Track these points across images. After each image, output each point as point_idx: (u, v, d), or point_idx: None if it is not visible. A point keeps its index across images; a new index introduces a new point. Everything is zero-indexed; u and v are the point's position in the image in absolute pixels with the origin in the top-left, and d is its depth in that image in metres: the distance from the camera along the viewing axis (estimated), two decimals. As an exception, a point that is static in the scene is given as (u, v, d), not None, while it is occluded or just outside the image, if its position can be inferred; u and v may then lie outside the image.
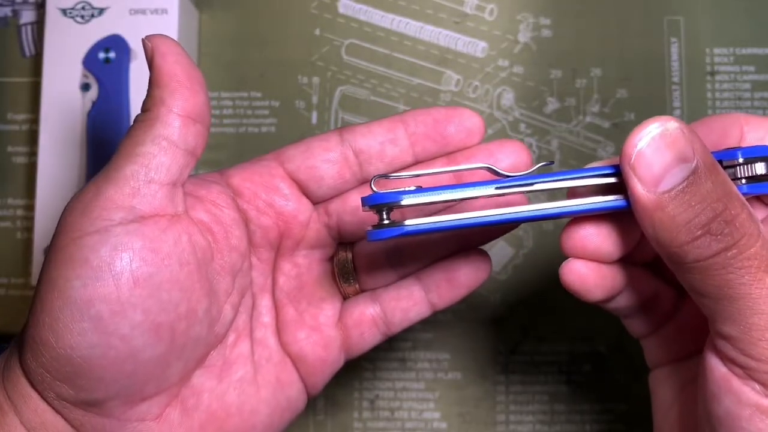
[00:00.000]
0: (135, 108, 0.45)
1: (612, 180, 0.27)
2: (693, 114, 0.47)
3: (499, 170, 0.28)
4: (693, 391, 0.29)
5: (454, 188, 0.27)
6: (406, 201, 0.27)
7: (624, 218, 0.28)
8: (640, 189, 0.25)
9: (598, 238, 0.28)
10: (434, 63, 0.48)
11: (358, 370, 0.46)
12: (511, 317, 0.46)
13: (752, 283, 0.24)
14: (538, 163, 0.29)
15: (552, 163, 0.30)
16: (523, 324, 0.46)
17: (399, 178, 0.28)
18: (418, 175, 0.28)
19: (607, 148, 0.47)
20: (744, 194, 0.26)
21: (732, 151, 0.26)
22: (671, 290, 0.31)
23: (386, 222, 0.27)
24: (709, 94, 0.47)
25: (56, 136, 0.44)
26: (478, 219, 0.27)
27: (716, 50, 0.47)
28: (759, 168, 0.26)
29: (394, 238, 0.27)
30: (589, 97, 0.47)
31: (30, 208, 0.47)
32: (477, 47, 0.48)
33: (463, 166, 0.29)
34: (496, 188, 0.27)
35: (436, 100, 0.48)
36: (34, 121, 0.47)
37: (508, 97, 0.48)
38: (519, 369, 0.46)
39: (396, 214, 0.28)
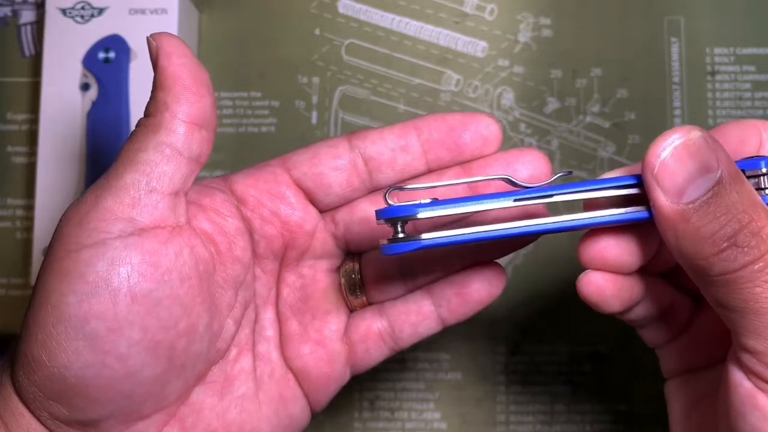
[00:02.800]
0: (135, 108, 0.44)
1: (633, 191, 0.26)
2: (693, 114, 0.47)
3: (517, 181, 0.27)
4: (710, 403, 0.28)
5: (471, 200, 0.26)
6: (422, 214, 0.26)
7: (642, 228, 0.27)
8: (663, 200, 0.24)
9: (617, 249, 0.28)
10: (434, 63, 0.48)
11: (358, 371, 0.46)
12: (511, 318, 0.46)
13: None
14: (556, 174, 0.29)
15: (571, 173, 0.29)
16: (524, 324, 0.46)
17: (414, 189, 0.28)
18: (433, 187, 0.28)
19: (608, 147, 0.47)
20: None
21: (755, 161, 0.26)
22: (688, 300, 0.31)
23: (401, 235, 0.26)
24: (709, 94, 0.47)
25: (56, 136, 0.44)
26: (498, 232, 0.26)
27: (716, 50, 0.47)
28: None
29: (410, 252, 0.26)
30: (589, 97, 0.47)
31: (29, 208, 0.47)
32: (477, 47, 0.48)
33: (481, 177, 0.28)
34: (515, 200, 0.26)
35: (436, 100, 0.48)
36: (34, 121, 0.47)
37: (508, 97, 0.48)
38: (519, 369, 0.46)
39: (410, 226, 0.27)
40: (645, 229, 0.27)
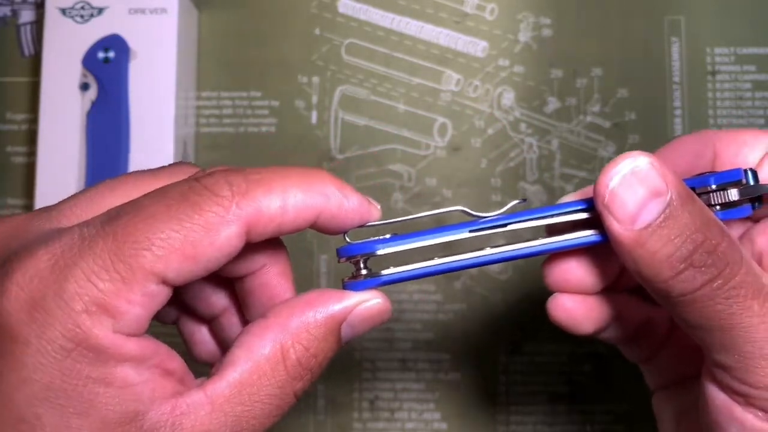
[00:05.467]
0: (134, 107, 0.44)
1: (587, 215, 0.27)
2: (693, 114, 0.47)
3: (472, 212, 0.28)
4: (696, 415, 0.28)
5: (429, 234, 0.27)
6: (382, 251, 0.26)
7: (603, 249, 0.27)
8: (617, 227, 0.24)
9: (580, 270, 0.28)
10: (434, 62, 0.48)
11: (357, 371, 0.46)
12: (512, 317, 0.46)
13: (742, 312, 0.23)
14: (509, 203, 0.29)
15: (525, 200, 0.29)
16: (524, 324, 0.46)
17: (374, 226, 0.28)
18: (392, 223, 0.28)
19: (608, 147, 0.47)
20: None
21: (705, 178, 0.26)
22: (664, 314, 0.31)
23: (364, 272, 0.26)
24: (709, 94, 0.47)
25: (55, 136, 0.44)
26: (457, 263, 0.27)
27: (717, 50, 0.47)
28: (732, 194, 0.26)
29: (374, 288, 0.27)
30: (589, 97, 0.47)
31: (29, 208, 0.47)
32: (477, 47, 0.48)
33: (438, 210, 0.28)
34: (470, 231, 0.27)
35: (437, 100, 0.48)
36: (33, 121, 0.47)
37: (509, 97, 0.47)
38: (519, 369, 0.46)
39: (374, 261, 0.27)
40: (606, 249, 0.27)
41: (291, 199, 0.24)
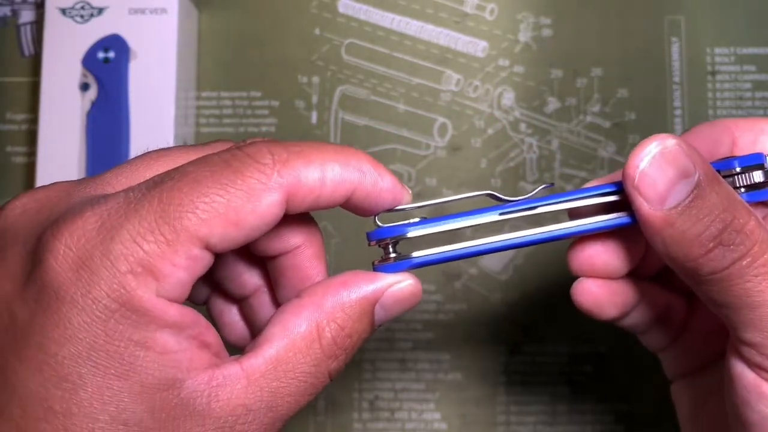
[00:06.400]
0: (134, 107, 0.44)
1: (615, 197, 0.27)
2: (693, 114, 0.47)
3: (501, 196, 0.28)
4: (718, 400, 0.29)
5: (458, 217, 0.27)
6: (413, 233, 0.27)
7: (627, 233, 0.28)
8: (646, 208, 0.25)
9: (606, 254, 0.28)
10: (434, 62, 0.48)
11: (357, 371, 0.46)
12: (512, 317, 0.46)
13: None
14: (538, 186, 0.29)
15: (552, 185, 0.30)
16: (524, 324, 0.46)
17: (403, 210, 0.28)
18: (421, 206, 0.28)
19: (608, 147, 0.47)
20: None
21: (729, 161, 0.27)
22: (682, 300, 0.31)
23: (393, 255, 0.27)
24: (709, 94, 0.47)
25: (55, 136, 0.44)
26: (485, 246, 0.27)
27: (717, 50, 0.47)
28: (757, 176, 0.27)
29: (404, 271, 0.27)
30: (589, 97, 0.47)
31: (29, 208, 0.47)
32: (477, 47, 0.48)
33: (465, 195, 0.29)
34: (500, 213, 0.27)
35: (437, 100, 0.48)
36: (33, 121, 0.47)
37: (509, 97, 0.47)
38: (520, 369, 0.46)
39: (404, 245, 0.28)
40: (630, 233, 0.28)
41: (329, 172, 0.24)
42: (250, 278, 0.29)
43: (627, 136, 0.47)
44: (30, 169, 0.47)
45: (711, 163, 0.26)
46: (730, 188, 0.25)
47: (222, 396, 0.23)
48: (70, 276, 0.22)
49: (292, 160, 0.24)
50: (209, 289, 0.30)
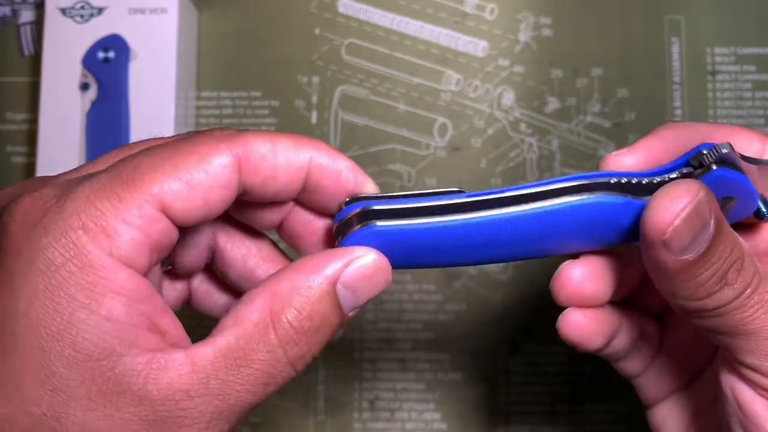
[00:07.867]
0: (134, 107, 0.44)
1: (583, 192, 0.26)
2: (693, 114, 0.47)
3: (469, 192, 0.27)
4: (708, 417, 0.29)
5: (426, 198, 0.26)
6: (377, 207, 0.26)
7: (608, 256, 0.28)
8: (668, 257, 0.24)
9: (593, 281, 0.28)
10: (434, 62, 0.48)
11: (358, 371, 0.46)
12: (512, 317, 0.46)
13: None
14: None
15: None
16: (524, 324, 0.46)
17: (373, 197, 0.27)
18: (393, 196, 0.27)
19: (608, 147, 0.47)
20: (718, 177, 0.25)
21: (695, 149, 0.26)
22: (653, 321, 0.31)
23: (356, 226, 0.25)
24: (710, 94, 0.47)
25: (55, 136, 0.44)
26: (456, 222, 0.25)
27: (717, 50, 0.47)
28: (724, 148, 0.26)
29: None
30: (589, 97, 0.47)
31: (29, 208, 0.47)
32: (477, 47, 0.48)
33: (436, 190, 0.28)
34: (468, 197, 0.26)
35: (436, 100, 0.48)
36: (33, 121, 0.47)
37: (509, 97, 0.47)
38: (519, 369, 0.46)
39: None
40: (611, 256, 0.28)
41: (280, 144, 0.25)
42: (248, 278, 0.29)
43: (627, 136, 0.47)
44: (30, 169, 0.47)
45: (681, 156, 0.26)
46: (730, 227, 0.25)
47: (162, 380, 0.22)
48: (25, 233, 0.22)
49: (243, 134, 0.24)
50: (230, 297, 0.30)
